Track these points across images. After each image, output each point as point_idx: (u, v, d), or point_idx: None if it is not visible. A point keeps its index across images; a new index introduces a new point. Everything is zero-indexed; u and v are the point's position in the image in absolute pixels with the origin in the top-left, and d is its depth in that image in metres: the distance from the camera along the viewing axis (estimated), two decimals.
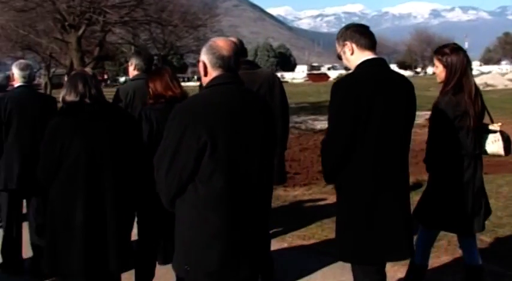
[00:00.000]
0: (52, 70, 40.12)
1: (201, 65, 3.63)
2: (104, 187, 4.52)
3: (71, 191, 4.49)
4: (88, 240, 4.48)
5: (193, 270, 3.57)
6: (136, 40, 35.68)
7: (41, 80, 43.36)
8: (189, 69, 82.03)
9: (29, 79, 6.23)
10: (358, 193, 3.94)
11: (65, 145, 4.44)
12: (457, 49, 4.79)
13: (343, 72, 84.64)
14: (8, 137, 5.91)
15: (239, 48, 3.94)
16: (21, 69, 6.15)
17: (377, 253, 3.96)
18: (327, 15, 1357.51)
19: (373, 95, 3.88)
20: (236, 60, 3.64)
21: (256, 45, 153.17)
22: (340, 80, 4.18)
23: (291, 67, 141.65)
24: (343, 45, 4.13)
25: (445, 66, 4.75)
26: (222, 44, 3.62)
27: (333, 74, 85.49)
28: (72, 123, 4.53)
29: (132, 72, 6.41)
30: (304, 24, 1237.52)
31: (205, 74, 3.61)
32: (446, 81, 4.76)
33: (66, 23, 23.53)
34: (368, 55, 4.05)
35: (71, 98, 4.56)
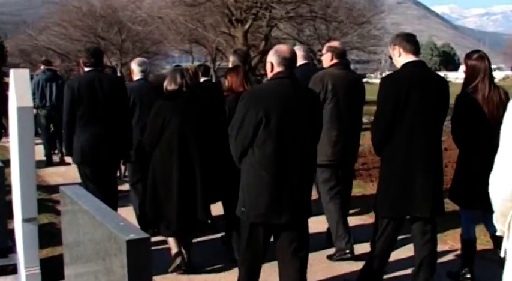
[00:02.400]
0: (217, 63, 40.60)
1: (268, 64, 4.91)
2: (192, 153, 6.01)
3: (168, 156, 6.02)
4: (181, 193, 5.94)
5: (247, 211, 4.83)
6: (301, 36, 35.35)
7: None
8: (351, 66, 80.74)
9: (145, 73, 7.89)
10: (396, 162, 5.14)
11: (165, 121, 6.01)
12: (482, 57, 5.68)
13: (509, 73, 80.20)
14: (132, 120, 7.35)
15: (296, 54, 5.11)
16: (140, 65, 7.84)
17: (405, 208, 5.15)
18: (494, 14, 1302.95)
19: (410, 88, 5.02)
20: (294, 62, 5.04)
21: (419, 43, 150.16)
22: (388, 75, 5.60)
23: (454, 67, 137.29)
24: (394, 49, 5.29)
25: (468, 69, 5.70)
26: (285, 49, 4.99)
27: (498, 75, 74.29)
28: (172, 106, 6.10)
29: None
30: (470, 22, 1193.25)
31: (272, 70, 4.90)
32: (465, 82, 5.72)
33: (234, 18, 23.52)
34: (411, 58, 5.20)
35: (171, 87, 6.15)
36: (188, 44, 37.65)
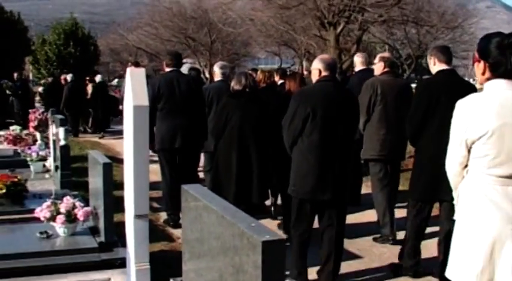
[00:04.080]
0: (305, 65, 40.62)
1: (316, 70, 6.02)
2: (249, 144, 6.97)
3: (229, 147, 7.01)
4: (238, 180, 6.92)
5: (296, 189, 5.97)
6: (391, 39, 34.92)
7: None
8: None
9: (225, 76, 9.19)
10: (426, 153, 5.97)
11: (229, 116, 7.01)
12: None
13: None
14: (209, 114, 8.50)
15: (336, 61, 6.38)
16: (221, 68, 9.26)
17: (434, 193, 5.93)
18: None
19: (440, 93, 5.87)
20: (336, 68, 6.29)
21: None
22: (423, 81, 6.76)
23: None
24: (430, 58, 6.24)
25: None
26: (328, 57, 6.34)
27: None
28: (235, 103, 7.11)
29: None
30: None
31: (319, 75, 5.99)
32: None
33: (326, 21, 23.37)
34: (443, 66, 6.10)
35: (237, 87, 7.15)
36: (276, 46, 37.71)
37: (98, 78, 21.34)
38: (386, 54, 8.56)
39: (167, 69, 8.43)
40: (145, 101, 4.48)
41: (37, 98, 25.90)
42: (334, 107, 5.83)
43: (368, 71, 8.64)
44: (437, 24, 32.32)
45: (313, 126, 5.76)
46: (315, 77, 6.07)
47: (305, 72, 8.48)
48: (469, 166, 3.79)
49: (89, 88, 21.52)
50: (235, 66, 42.20)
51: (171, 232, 7.87)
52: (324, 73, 5.97)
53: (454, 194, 4.00)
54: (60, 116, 9.60)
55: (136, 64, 17.70)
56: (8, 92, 21.26)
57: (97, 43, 41.13)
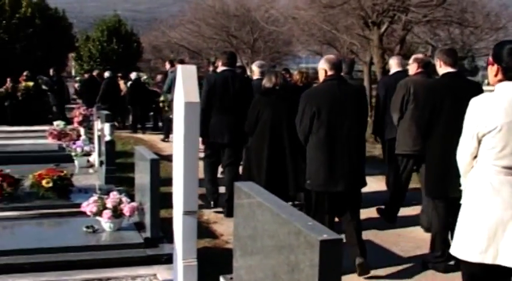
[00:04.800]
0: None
1: (322, 71, 6.33)
2: (282, 138, 7.33)
3: (261, 141, 7.43)
4: (269, 170, 7.30)
5: (311, 183, 6.33)
6: (434, 40, 34.52)
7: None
8: (480, 73, 78.04)
9: (263, 74, 9.25)
10: (434, 152, 6.25)
11: (260, 112, 7.44)
12: None
13: None
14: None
15: (341, 61, 6.76)
16: (259, 66, 9.78)
17: (444, 190, 6.05)
18: None
19: (445, 94, 6.11)
20: (341, 67, 6.63)
21: None
22: (428, 83, 7.18)
23: None
24: (436, 60, 6.50)
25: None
26: (333, 57, 6.58)
27: None
28: (266, 100, 7.51)
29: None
30: None
31: (325, 75, 6.31)
32: None
33: (369, 20, 23.16)
34: (448, 69, 6.37)
35: (267, 85, 7.51)
36: (319, 46, 37.52)
37: (133, 75, 21.49)
38: (420, 55, 8.88)
39: (222, 68, 8.85)
40: (196, 98, 4.48)
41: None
42: (338, 105, 6.17)
43: (403, 73, 8.83)
44: (481, 25, 31.82)
45: (319, 123, 6.16)
46: (321, 77, 6.43)
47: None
48: (478, 156, 4.25)
49: (121, 84, 21.70)
50: (276, 65, 42.10)
51: (215, 228, 7.88)
52: (329, 72, 6.29)
53: (463, 180, 4.47)
54: (105, 112, 9.66)
55: (181, 62, 17.83)
56: (44, 87, 21.52)
57: (139, 40, 41.45)
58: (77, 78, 22.89)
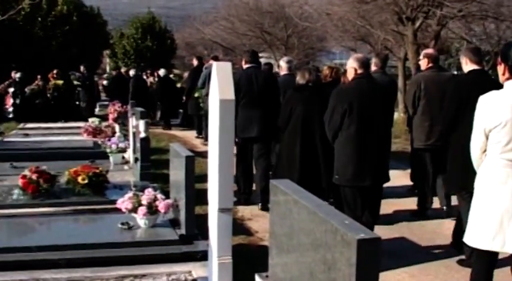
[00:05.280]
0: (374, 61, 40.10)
1: (352, 69, 6.60)
2: (314, 133, 7.47)
3: (293, 136, 7.63)
4: (302, 164, 7.49)
5: (339, 177, 6.62)
6: (470, 35, 34.11)
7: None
8: None
9: (290, 70, 9.88)
10: (457, 148, 6.20)
11: (292, 108, 7.63)
12: None
13: None
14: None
15: (369, 60, 7.17)
16: (287, 62, 9.99)
17: (465, 184, 5.79)
18: None
19: (471, 90, 6.01)
20: (369, 65, 7.15)
21: None
22: (454, 80, 7.51)
23: None
24: (462, 58, 6.67)
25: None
26: (362, 56, 6.87)
27: None
28: (298, 96, 7.71)
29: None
30: None
31: (355, 73, 6.55)
32: None
33: (404, 16, 22.95)
34: (474, 66, 6.51)
35: (301, 81, 7.73)
36: (352, 42, 37.32)
37: (161, 72, 21.58)
38: (430, 50, 9.04)
39: (246, 66, 9.22)
40: (231, 95, 4.47)
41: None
42: (368, 102, 6.47)
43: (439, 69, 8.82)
44: None
45: (350, 120, 6.40)
46: (350, 75, 6.70)
47: (374, 68, 9.04)
48: (487, 150, 4.59)
49: (150, 81, 21.81)
50: (310, 61, 41.98)
51: (249, 225, 7.87)
52: (359, 71, 6.58)
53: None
54: (140, 109, 9.70)
55: (215, 58, 17.89)
56: (76, 82, 21.72)
57: (173, 37, 41.61)
58: (105, 75, 22.99)
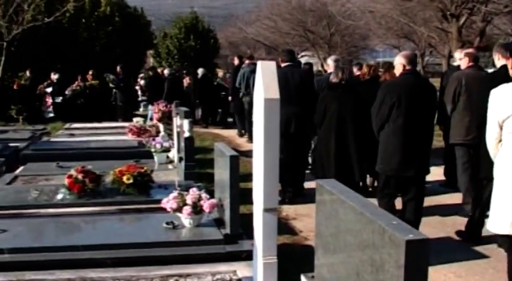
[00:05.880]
0: (426, 59, 39.72)
1: (400, 65, 6.87)
2: (347, 129, 8.02)
3: (328, 132, 8.15)
4: (337, 159, 8.06)
5: (383, 167, 6.94)
6: None
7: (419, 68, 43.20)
8: None
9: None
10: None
11: (327, 105, 8.14)
12: None
13: None
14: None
15: (416, 56, 7.37)
16: (334, 60, 10.03)
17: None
18: None
19: (500, 84, 5.78)
20: (416, 62, 7.23)
21: None
22: (489, 73, 8.05)
23: None
24: (495, 54, 7.07)
25: None
26: (409, 53, 7.35)
27: None
28: (332, 94, 8.23)
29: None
30: None
31: (404, 69, 6.83)
32: None
33: (448, 13, 22.72)
34: (505, 62, 6.71)
35: (334, 80, 8.24)
36: (396, 39, 37.05)
37: (199, 71, 21.66)
38: (470, 50, 9.21)
39: (283, 64, 9.52)
40: (276, 94, 4.46)
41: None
42: (415, 96, 6.75)
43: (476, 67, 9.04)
44: None
45: (398, 112, 6.71)
46: (398, 71, 7.00)
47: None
48: (502, 140, 4.92)
49: (186, 81, 21.89)
50: (353, 59, 41.78)
51: (294, 225, 7.86)
52: (407, 67, 6.87)
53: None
54: (184, 109, 9.74)
55: (251, 57, 17.98)
56: (110, 85, 21.90)
57: (216, 36, 41.69)
58: (141, 75, 23.09)
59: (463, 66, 8.69)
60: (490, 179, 6.46)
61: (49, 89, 21.13)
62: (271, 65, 4.64)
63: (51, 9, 22.62)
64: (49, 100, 21.15)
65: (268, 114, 4.43)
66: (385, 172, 7.00)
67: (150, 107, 20.22)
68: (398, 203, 7.20)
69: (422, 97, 6.84)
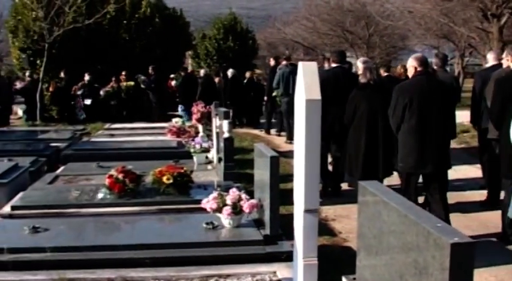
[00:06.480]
0: (466, 59, 39.23)
1: (412, 67, 7.27)
2: (377, 128, 8.18)
3: (358, 130, 8.37)
4: (366, 156, 8.28)
5: (402, 165, 7.28)
6: None
7: (454, 68, 42.80)
8: None
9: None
10: (505, 139, 6.65)
11: (357, 105, 8.37)
12: None
13: None
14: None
15: (427, 59, 7.54)
16: (363, 63, 9.43)
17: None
18: None
19: None
20: (427, 64, 7.58)
21: None
22: (499, 75, 8.04)
23: None
24: (506, 56, 7.78)
25: None
26: (421, 55, 7.51)
27: None
28: (361, 94, 8.43)
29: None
30: None
31: (415, 71, 7.21)
32: None
33: (489, 12, 22.38)
34: None
35: (363, 80, 8.49)
36: (435, 40, 36.65)
37: (229, 72, 21.72)
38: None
39: (333, 65, 9.98)
40: (317, 95, 4.43)
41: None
42: (427, 96, 7.06)
43: (499, 66, 9.07)
44: None
45: (411, 113, 7.06)
46: (410, 73, 7.38)
47: (435, 67, 9.99)
48: None
49: (217, 81, 22.00)
50: (392, 60, 41.49)
51: (333, 226, 7.85)
52: (418, 69, 7.22)
53: None
54: (224, 109, 9.77)
55: (288, 58, 18.07)
56: (142, 86, 22.05)
57: (255, 37, 41.74)
58: (172, 75, 23.15)
59: (505, 66, 8.54)
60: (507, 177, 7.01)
61: (80, 92, 21.41)
62: (313, 65, 4.63)
63: (91, 11, 22.83)
64: (81, 101, 21.43)
65: (309, 115, 4.40)
66: (404, 170, 7.35)
67: (180, 107, 20.46)
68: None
69: (435, 97, 7.12)
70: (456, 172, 9.51)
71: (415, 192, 7.47)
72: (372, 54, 37.45)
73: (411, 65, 7.34)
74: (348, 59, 11.96)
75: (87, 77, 21.52)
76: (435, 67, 10.00)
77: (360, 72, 10.01)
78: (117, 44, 24.50)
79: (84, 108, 21.47)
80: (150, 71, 21.95)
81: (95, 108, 21.19)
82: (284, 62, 17.28)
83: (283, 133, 17.49)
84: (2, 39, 43.03)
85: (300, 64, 4.64)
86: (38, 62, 23.18)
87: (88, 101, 21.28)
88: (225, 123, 9.14)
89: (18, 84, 25.28)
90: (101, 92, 21.61)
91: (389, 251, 3.04)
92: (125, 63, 23.13)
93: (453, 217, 7.46)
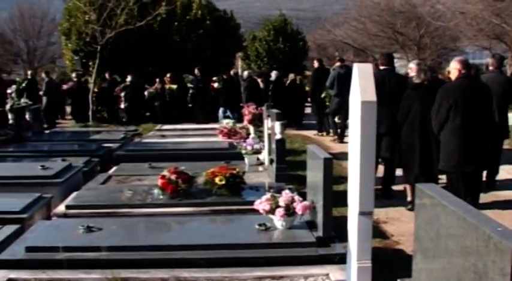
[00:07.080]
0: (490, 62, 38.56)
1: (455, 70, 7.62)
2: (430, 127, 8.06)
3: (412, 129, 8.64)
4: (422, 154, 8.51)
5: (445, 164, 7.70)
6: None
7: (507, 69, 42.08)
8: None
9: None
10: None
11: (410, 105, 8.59)
12: None
13: None
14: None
15: (468, 61, 7.99)
16: (417, 64, 9.72)
17: None
18: None
19: None
20: (470, 66, 8.01)
21: None
22: None
23: None
24: None
25: None
26: (463, 58, 8.03)
27: None
28: (415, 94, 8.66)
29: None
30: None
31: (458, 73, 7.58)
32: None
33: None
34: None
35: (417, 80, 8.78)
36: (487, 41, 36.14)
37: (273, 74, 21.77)
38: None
39: (381, 67, 10.25)
40: (373, 97, 4.43)
41: None
42: (471, 98, 7.50)
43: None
44: None
45: (456, 113, 7.43)
46: (454, 75, 7.71)
47: (490, 68, 10.18)
48: None
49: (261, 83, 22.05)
50: (443, 62, 41.05)
51: (385, 228, 7.80)
52: (462, 71, 7.59)
53: None
54: (276, 111, 9.78)
55: (342, 60, 18.10)
56: (189, 85, 22.17)
57: (305, 39, 41.72)
58: (215, 78, 23.23)
59: None
60: None
61: (123, 93, 21.68)
62: (368, 67, 4.62)
63: (143, 13, 23.09)
64: (122, 103, 21.72)
65: (364, 116, 4.40)
66: (447, 168, 7.75)
67: (221, 109, 20.56)
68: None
69: (478, 98, 7.61)
70: (507, 173, 9.49)
71: (459, 190, 7.50)
72: (422, 55, 37.13)
73: (455, 67, 7.69)
74: (398, 61, 12.16)
75: (129, 78, 21.76)
76: (491, 68, 10.29)
77: (413, 73, 10.06)
78: (168, 46, 24.72)
79: (125, 110, 21.74)
80: (196, 72, 22.06)
81: (135, 110, 21.43)
82: (338, 64, 17.49)
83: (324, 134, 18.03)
84: (55, 41, 43.81)
85: (355, 66, 4.63)
86: (90, 64, 23.56)
87: (122, 105, 21.58)
88: (277, 125, 9.14)
89: (65, 86, 25.66)
90: (145, 93, 21.83)
91: (447, 255, 3.02)
92: (175, 65, 23.32)
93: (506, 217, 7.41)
